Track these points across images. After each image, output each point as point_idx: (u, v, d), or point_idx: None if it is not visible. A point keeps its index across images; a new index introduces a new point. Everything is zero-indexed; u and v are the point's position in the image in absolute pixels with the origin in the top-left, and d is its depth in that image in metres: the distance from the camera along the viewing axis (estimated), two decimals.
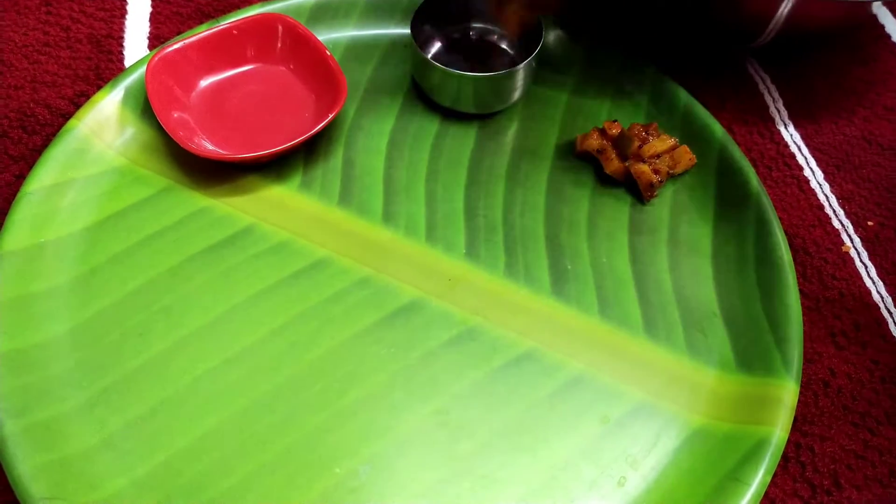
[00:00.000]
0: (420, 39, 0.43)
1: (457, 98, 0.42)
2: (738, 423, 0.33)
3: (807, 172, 0.43)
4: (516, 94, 0.42)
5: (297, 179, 0.40)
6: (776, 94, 0.46)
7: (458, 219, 0.39)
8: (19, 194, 0.37)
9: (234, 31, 0.42)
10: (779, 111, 0.46)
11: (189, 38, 0.41)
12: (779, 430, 0.33)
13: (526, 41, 0.43)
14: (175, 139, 0.38)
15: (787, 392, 0.34)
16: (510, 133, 0.43)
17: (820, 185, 0.43)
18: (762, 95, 0.46)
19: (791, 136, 0.45)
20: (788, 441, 0.34)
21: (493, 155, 0.42)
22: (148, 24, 0.46)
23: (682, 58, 0.47)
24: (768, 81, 0.47)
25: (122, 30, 0.46)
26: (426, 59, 0.41)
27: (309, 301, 0.36)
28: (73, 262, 0.36)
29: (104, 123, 0.40)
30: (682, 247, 0.39)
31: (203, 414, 0.33)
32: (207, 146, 0.40)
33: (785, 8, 0.44)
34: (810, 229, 0.41)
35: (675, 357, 0.36)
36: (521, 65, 0.40)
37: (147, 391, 0.33)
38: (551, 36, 0.46)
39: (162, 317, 0.35)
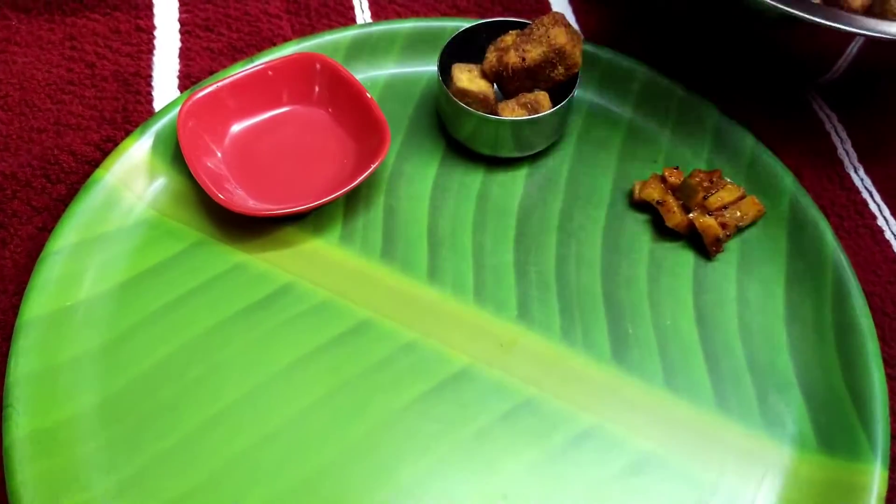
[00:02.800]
0: (448, 84, 0.40)
1: (496, 144, 0.39)
2: None
3: (880, 222, 0.40)
4: (559, 133, 0.40)
5: (336, 232, 0.38)
6: (844, 135, 0.43)
7: (509, 275, 0.37)
8: (43, 254, 0.35)
9: (270, 72, 0.40)
10: (847, 153, 0.43)
11: (222, 80, 0.39)
12: None
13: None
14: (208, 194, 0.36)
15: (875, 479, 0.31)
16: (561, 179, 0.40)
17: None
18: (829, 136, 0.43)
19: (862, 180, 0.42)
20: None
21: (544, 203, 0.39)
22: (177, 61, 0.44)
23: (743, 94, 0.44)
24: (835, 120, 0.44)
25: (149, 67, 0.44)
26: (463, 107, 0.38)
27: (352, 369, 0.34)
28: (101, 326, 0.34)
29: (133, 172, 0.38)
30: (752, 307, 0.36)
31: (241, 498, 0.30)
32: (242, 197, 0.37)
33: (854, 46, 0.41)
34: (887, 286, 0.38)
35: (751, 433, 0.33)
36: (561, 104, 0.38)
37: (181, 474, 0.31)
38: (602, 71, 0.43)
39: (195, 388, 0.33)
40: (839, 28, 0.37)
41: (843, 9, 0.40)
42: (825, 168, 0.42)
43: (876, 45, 0.42)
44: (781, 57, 0.43)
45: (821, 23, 0.37)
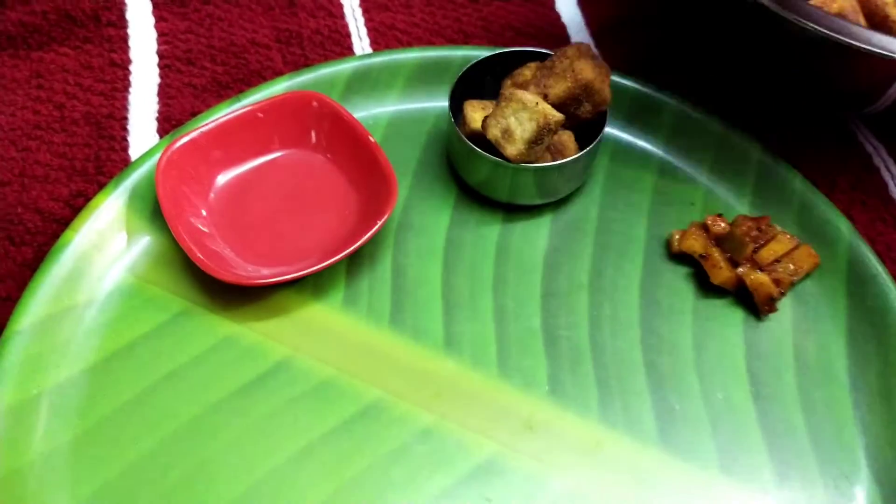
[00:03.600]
0: (459, 124, 0.36)
1: (513, 191, 0.35)
2: None
3: None
4: (584, 176, 0.36)
5: (339, 295, 0.34)
6: (895, 169, 0.39)
7: (536, 342, 0.33)
8: (4, 336, 0.30)
9: (260, 114, 0.35)
10: None
11: (205, 124, 0.35)
12: None
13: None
14: (191, 258, 0.31)
15: None
16: (590, 226, 0.36)
17: None
18: (878, 171, 0.39)
19: None
20: None
21: (572, 257, 0.35)
22: (156, 99, 0.39)
23: (782, 126, 0.40)
24: (884, 153, 0.40)
25: (125, 108, 0.39)
26: (476, 150, 0.34)
27: (361, 461, 0.29)
28: (72, 416, 0.30)
29: (106, 233, 0.33)
30: (812, 374, 0.32)
31: None
32: (231, 258, 0.33)
33: None
34: None
35: None
36: (589, 147, 0.34)
37: None
38: (630, 104, 0.39)
39: (182, 489, 0.28)
40: (892, 56, 0.33)
41: (894, 34, 0.36)
42: (877, 209, 0.38)
43: None
44: (827, 86, 0.39)
45: (873, 51, 0.33)
